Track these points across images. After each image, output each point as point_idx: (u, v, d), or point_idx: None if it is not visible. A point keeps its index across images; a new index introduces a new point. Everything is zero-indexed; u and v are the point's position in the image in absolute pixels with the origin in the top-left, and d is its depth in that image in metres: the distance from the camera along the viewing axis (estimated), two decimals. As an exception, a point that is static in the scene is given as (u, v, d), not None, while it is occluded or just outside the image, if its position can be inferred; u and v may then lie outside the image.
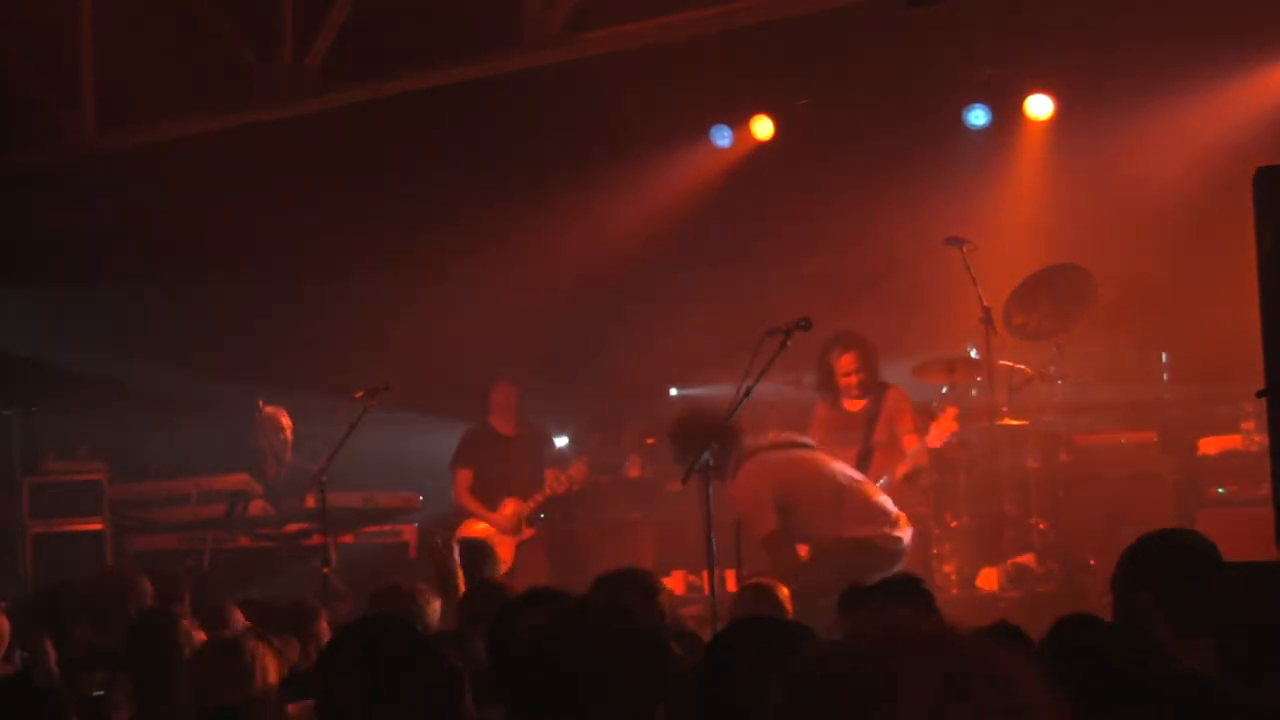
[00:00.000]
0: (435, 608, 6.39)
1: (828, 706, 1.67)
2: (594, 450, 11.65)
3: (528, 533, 11.12)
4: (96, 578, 6.62)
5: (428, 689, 3.46)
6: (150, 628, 5.50)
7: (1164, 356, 10.66)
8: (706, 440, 7.97)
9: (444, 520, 10.75)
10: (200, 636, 5.58)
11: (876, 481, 8.94)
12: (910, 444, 9.51)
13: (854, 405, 9.71)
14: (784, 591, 6.47)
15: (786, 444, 8.45)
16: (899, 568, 7.99)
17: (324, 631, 6.38)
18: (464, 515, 11.07)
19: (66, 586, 7.15)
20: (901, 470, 9.46)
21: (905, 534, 8.29)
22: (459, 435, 11.35)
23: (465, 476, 11.17)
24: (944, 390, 10.14)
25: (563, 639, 3.11)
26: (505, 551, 10.82)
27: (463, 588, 6.65)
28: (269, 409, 11.17)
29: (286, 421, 11.14)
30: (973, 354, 10.23)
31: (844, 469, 8.48)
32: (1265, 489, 6.65)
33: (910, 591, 4.91)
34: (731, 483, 8.14)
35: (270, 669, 4.62)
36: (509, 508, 11.07)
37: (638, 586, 5.39)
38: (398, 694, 3.45)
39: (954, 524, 10.01)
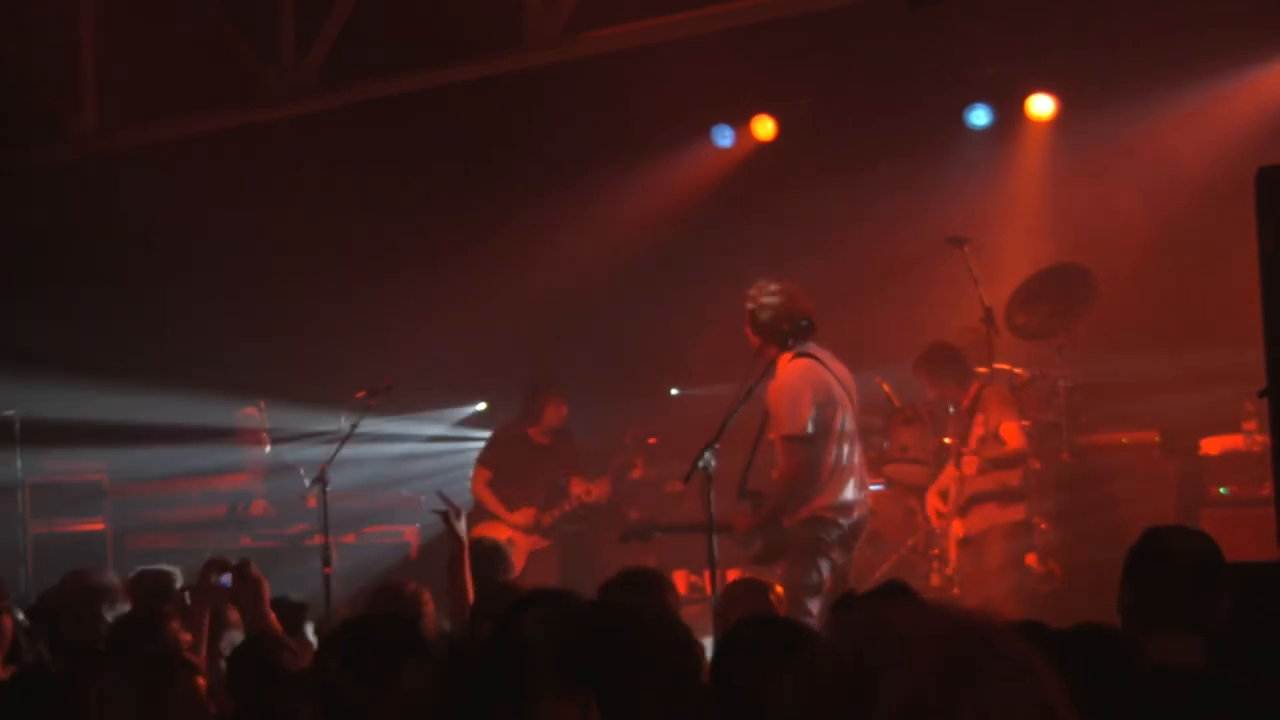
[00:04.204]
0: (431, 610, 6.35)
1: (840, 668, 1.67)
2: (617, 470, 11.55)
3: (542, 543, 11.10)
4: (70, 580, 6.54)
5: (422, 681, 3.47)
6: (137, 628, 5.48)
7: (1165, 356, 10.64)
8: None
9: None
10: (187, 637, 5.56)
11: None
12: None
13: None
14: (778, 589, 6.44)
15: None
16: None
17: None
18: (480, 513, 11.06)
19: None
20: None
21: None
22: (464, 430, 11.36)
23: (485, 474, 11.16)
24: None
25: (593, 637, 3.08)
26: (518, 557, 10.84)
27: (470, 586, 6.59)
28: (246, 410, 11.17)
29: (264, 423, 11.14)
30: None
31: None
32: (1267, 489, 6.66)
33: (900, 596, 4.90)
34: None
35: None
36: (526, 514, 11.04)
37: (645, 587, 5.37)
38: (393, 685, 3.46)
39: (939, 528, 10.00)
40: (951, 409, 10.10)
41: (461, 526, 6.68)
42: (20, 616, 6.25)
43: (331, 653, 3.69)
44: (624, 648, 2.97)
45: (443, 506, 6.81)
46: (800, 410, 8.19)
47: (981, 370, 9.94)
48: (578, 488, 11.05)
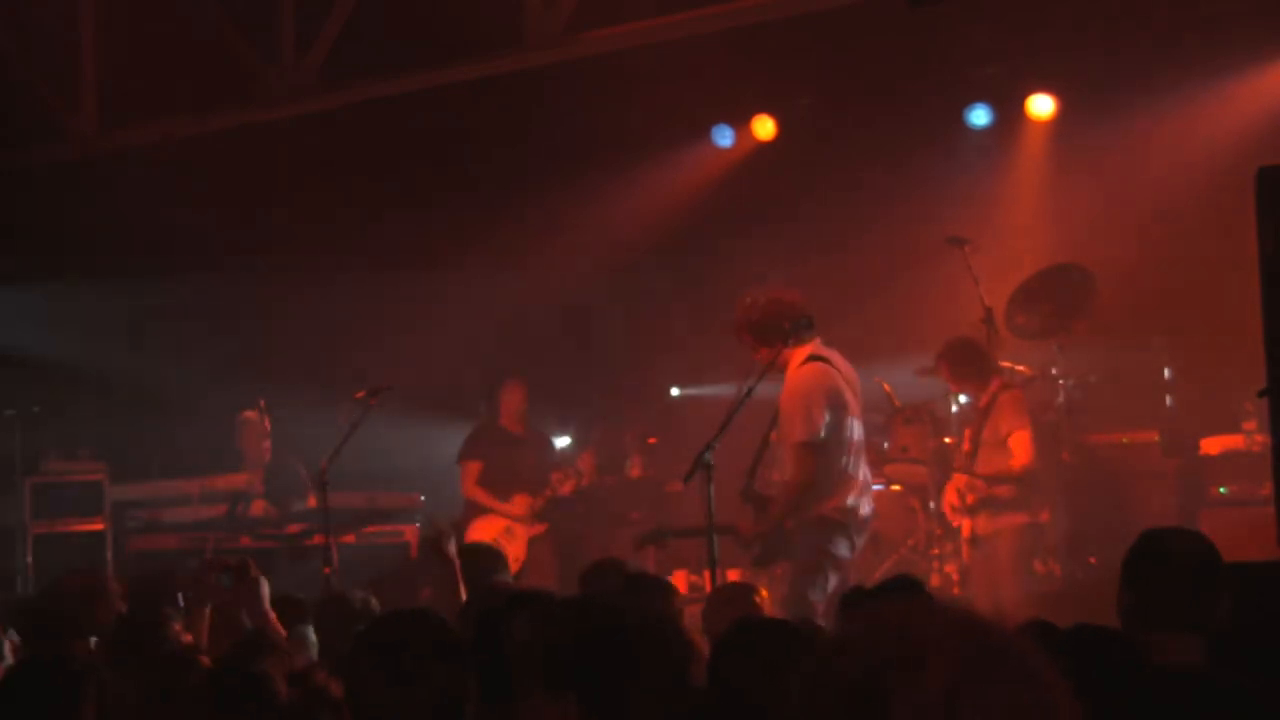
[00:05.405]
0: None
1: (850, 674, 1.66)
2: (599, 443, 11.62)
3: (539, 527, 11.09)
4: (66, 580, 6.51)
5: (445, 680, 3.47)
6: (135, 629, 5.47)
7: (1165, 356, 10.65)
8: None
9: (453, 519, 10.71)
10: (188, 638, 5.55)
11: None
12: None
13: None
14: (763, 594, 6.44)
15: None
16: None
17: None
18: (474, 510, 11.03)
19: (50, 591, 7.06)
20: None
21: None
22: (465, 432, 11.34)
23: (474, 468, 11.13)
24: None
25: (586, 639, 3.07)
26: (519, 547, 10.83)
27: (463, 591, 6.60)
28: (247, 413, 11.16)
29: (265, 425, 11.12)
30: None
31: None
32: (1267, 489, 6.66)
33: (911, 592, 4.90)
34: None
35: None
36: (520, 501, 11.04)
37: (651, 591, 5.37)
38: (415, 683, 3.47)
39: (955, 523, 10.00)
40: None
41: (451, 549, 6.69)
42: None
43: (363, 652, 3.66)
44: (615, 649, 2.96)
45: (431, 532, 6.82)
46: (815, 416, 8.17)
47: (1004, 365, 9.93)
48: (556, 478, 11.08)
